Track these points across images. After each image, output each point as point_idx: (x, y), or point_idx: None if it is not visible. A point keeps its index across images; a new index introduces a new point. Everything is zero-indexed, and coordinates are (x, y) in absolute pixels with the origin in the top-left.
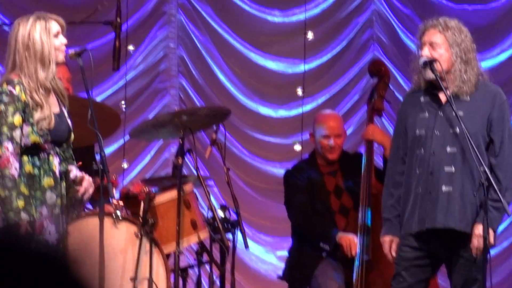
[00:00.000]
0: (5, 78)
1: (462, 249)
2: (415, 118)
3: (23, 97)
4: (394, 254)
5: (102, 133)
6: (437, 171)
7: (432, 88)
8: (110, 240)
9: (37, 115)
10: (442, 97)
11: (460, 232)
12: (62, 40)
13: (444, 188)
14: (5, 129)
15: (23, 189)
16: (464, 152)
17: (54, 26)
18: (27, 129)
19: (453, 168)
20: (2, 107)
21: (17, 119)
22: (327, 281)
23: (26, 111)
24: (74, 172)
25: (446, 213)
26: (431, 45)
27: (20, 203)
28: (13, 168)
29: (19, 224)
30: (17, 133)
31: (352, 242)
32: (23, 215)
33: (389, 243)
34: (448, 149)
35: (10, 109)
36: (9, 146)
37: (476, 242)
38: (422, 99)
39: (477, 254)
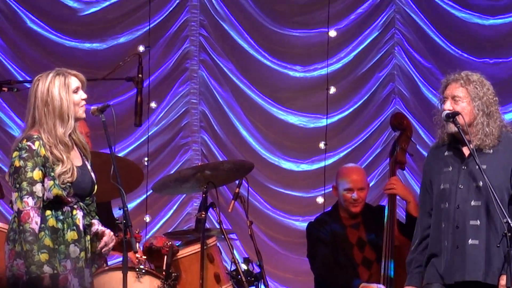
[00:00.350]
0: (25, 135)
1: None
2: (440, 173)
3: (42, 152)
4: None
5: (125, 188)
6: (463, 225)
7: (455, 142)
8: None
9: (58, 169)
10: (465, 150)
11: (486, 284)
12: (82, 95)
13: (470, 241)
14: (25, 184)
15: (47, 242)
16: (488, 205)
17: (74, 81)
18: (49, 182)
19: (478, 222)
20: (22, 162)
21: (36, 173)
22: None
23: (46, 165)
24: (96, 226)
25: (473, 266)
26: (453, 98)
27: (43, 256)
28: (34, 223)
29: (41, 277)
30: (37, 188)
31: None
32: (46, 268)
33: None
34: (473, 202)
35: (29, 164)
36: (29, 201)
37: None
38: (446, 153)
39: None
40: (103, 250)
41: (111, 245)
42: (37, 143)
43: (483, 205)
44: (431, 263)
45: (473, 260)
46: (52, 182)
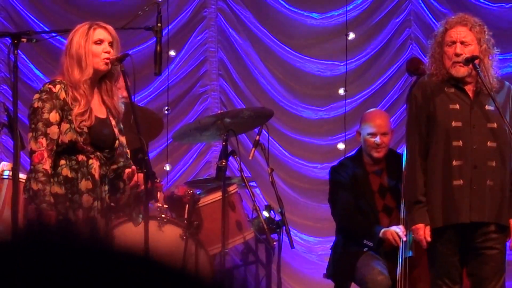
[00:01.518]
0: (51, 79)
1: (496, 241)
2: (446, 109)
3: (62, 95)
4: (429, 239)
5: (147, 137)
6: (481, 165)
7: (456, 81)
8: (156, 243)
9: (75, 110)
10: (469, 91)
11: (496, 224)
12: (105, 48)
13: (488, 182)
14: (40, 125)
15: (56, 189)
16: (500, 146)
17: (98, 33)
18: (65, 126)
19: (494, 163)
20: (40, 103)
21: (53, 115)
22: (369, 269)
23: (65, 108)
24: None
25: (491, 207)
26: (462, 43)
27: (52, 199)
28: (47, 164)
29: (50, 215)
30: (52, 130)
31: (396, 233)
32: (53, 212)
33: (423, 230)
34: (489, 143)
35: (47, 105)
36: (43, 141)
37: None
38: (446, 90)
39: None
40: (138, 190)
41: (141, 187)
42: (58, 86)
43: (498, 146)
44: (439, 203)
45: (491, 201)
46: (68, 125)
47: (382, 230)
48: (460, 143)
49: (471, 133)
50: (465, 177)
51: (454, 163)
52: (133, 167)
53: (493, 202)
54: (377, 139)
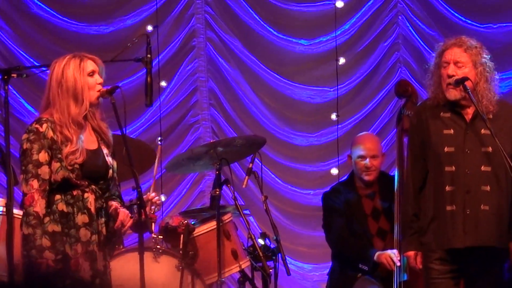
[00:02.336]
0: (37, 118)
1: (494, 264)
2: (439, 134)
3: (49, 133)
4: (420, 266)
5: (139, 169)
6: (475, 190)
7: (454, 105)
8: (152, 274)
9: (66, 149)
10: (466, 115)
11: (494, 248)
12: (97, 79)
13: (482, 206)
14: (30, 166)
15: (52, 227)
16: (496, 171)
17: (89, 65)
18: (56, 165)
19: (489, 187)
20: (28, 145)
21: (42, 155)
22: None
23: (53, 147)
24: (113, 206)
25: (487, 231)
26: (456, 64)
27: (45, 242)
28: (38, 206)
29: (40, 263)
30: (43, 170)
31: (391, 256)
32: (47, 254)
33: (414, 257)
34: (483, 168)
35: (35, 146)
36: (34, 183)
37: None
38: (442, 114)
39: None
40: (122, 230)
41: (128, 224)
42: (45, 125)
43: (492, 170)
44: (432, 228)
45: (485, 226)
46: (59, 164)
47: (377, 254)
48: (453, 168)
49: (465, 158)
50: (458, 202)
51: (447, 188)
52: (115, 204)
53: (489, 226)
54: (367, 161)
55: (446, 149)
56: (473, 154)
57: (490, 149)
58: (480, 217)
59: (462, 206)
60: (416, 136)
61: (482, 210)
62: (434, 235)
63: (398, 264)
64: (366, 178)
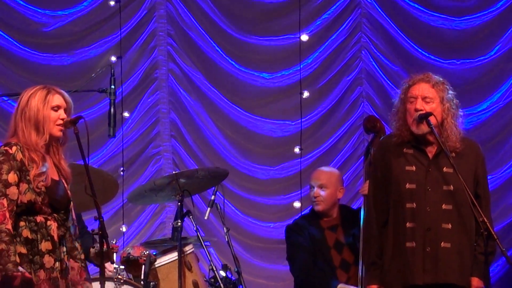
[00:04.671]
0: (5, 142)
1: None
2: (401, 171)
3: (19, 156)
4: None
5: (101, 199)
6: (435, 228)
7: (417, 142)
8: None
9: (33, 171)
10: (429, 152)
11: (455, 286)
12: (61, 115)
13: (443, 244)
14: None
15: (19, 248)
16: (458, 209)
17: (56, 99)
18: (24, 186)
19: (450, 225)
20: None
21: (11, 176)
22: None
23: (22, 169)
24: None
25: (447, 269)
26: (424, 99)
27: (18, 259)
28: (9, 224)
29: (15, 276)
30: (11, 190)
31: None
32: (21, 269)
33: None
34: (444, 206)
35: (5, 167)
36: (4, 202)
37: None
38: (405, 150)
39: None
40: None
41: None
42: (14, 147)
43: (454, 208)
44: (392, 265)
45: (446, 263)
46: (26, 185)
47: (340, 286)
48: (414, 205)
49: (425, 195)
50: (418, 239)
51: (408, 225)
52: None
53: (449, 264)
54: (314, 191)
55: (407, 185)
56: (434, 192)
57: (451, 187)
58: (440, 255)
59: (422, 243)
60: (379, 172)
61: (443, 247)
62: (394, 272)
63: None
64: (315, 207)
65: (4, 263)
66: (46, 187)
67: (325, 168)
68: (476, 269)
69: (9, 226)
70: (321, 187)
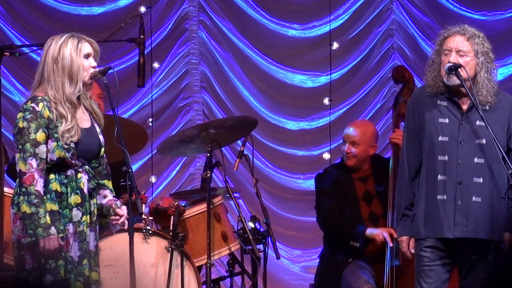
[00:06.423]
0: (31, 96)
1: (487, 255)
2: (434, 122)
3: (46, 113)
4: (412, 251)
5: (130, 149)
6: (467, 181)
7: (451, 94)
8: (141, 255)
9: (61, 127)
10: (463, 105)
11: (485, 240)
12: (92, 62)
13: (474, 198)
14: (28, 146)
15: (50, 206)
16: (490, 163)
17: (86, 47)
18: (52, 144)
19: (481, 179)
20: (25, 123)
21: (39, 135)
22: (355, 278)
23: (50, 127)
24: (110, 197)
25: (476, 223)
26: (458, 52)
27: (48, 219)
28: (38, 185)
29: (49, 240)
30: (41, 149)
31: (385, 235)
32: (53, 230)
33: (407, 242)
34: (476, 159)
35: (33, 125)
36: (33, 162)
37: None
38: (439, 102)
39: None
40: (120, 227)
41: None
42: (41, 104)
43: (485, 162)
44: (423, 216)
45: (476, 218)
46: (55, 143)
47: (368, 230)
48: (446, 157)
49: (458, 148)
50: (449, 192)
51: (439, 177)
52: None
53: (480, 218)
54: (345, 147)
55: (440, 138)
56: (467, 145)
57: (484, 141)
58: (471, 209)
59: (453, 196)
60: (412, 122)
61: (474, 202)
62: (425, 223)
63: (391, 245)
64: (346, 162)
65: (34, 228)
66: (75, 143)
67: (359, 123)
68: (508, 223)
69: (39, 188)
70: (353, 143)
